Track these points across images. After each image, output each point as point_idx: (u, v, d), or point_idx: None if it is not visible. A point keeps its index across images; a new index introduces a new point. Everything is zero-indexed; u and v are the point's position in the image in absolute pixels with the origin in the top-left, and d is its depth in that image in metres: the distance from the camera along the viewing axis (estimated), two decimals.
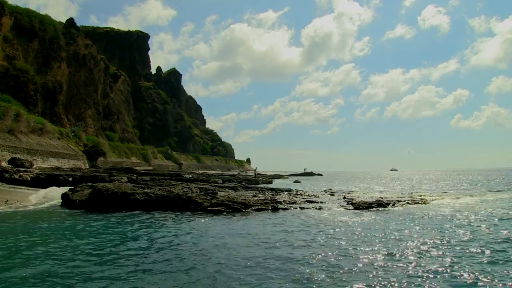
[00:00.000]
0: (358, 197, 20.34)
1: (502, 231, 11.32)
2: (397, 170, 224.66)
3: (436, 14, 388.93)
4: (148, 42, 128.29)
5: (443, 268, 7.23)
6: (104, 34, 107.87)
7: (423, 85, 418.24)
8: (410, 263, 7.57)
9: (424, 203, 17.38)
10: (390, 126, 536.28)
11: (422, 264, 7.50)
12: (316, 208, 13.78)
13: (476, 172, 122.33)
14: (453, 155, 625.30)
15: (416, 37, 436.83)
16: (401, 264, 7.47)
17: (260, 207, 13.77)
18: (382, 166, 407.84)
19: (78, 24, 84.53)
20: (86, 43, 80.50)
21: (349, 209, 13.81)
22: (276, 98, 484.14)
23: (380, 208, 14.51)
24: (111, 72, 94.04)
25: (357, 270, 7.05)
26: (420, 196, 21.84)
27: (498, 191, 29.68)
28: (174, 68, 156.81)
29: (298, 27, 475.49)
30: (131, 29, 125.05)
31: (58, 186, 25.28)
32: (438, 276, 6.78)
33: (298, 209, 13.57)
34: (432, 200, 19.07)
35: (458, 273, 6.94)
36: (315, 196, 19.58)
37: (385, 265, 7.45)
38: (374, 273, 6.88)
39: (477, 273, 6.90)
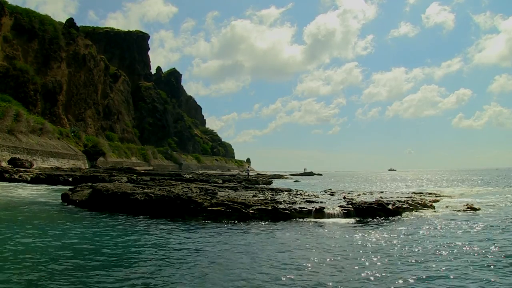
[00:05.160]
0: (359, 195, 20.36)
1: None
2: (395, 170, 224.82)
3: (440, 12, 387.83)
4: (148, 41, 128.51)
5: None
6: (104, 34, 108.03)
7: (425, 84, 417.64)
8: None
9: (424, 203, 17.40)
10: (391, 126, 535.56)
11: None
12: (315, 219, 13.59)
13: (474, 172, 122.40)
14: (453, 155, 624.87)
15: (420, 36, 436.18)
16: None
17: (260, 207, 13.77)
18: (381, 166, 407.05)
19: (77, 21, 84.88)
20: (86, 43, 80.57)
21: (353, 222, 13.55)
22: (278, 97, 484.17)
23: (384, 217, 14.42)
24: (111, 72, 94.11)
25: None
26: (420, 196, 21.86)
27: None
28: (174, 68, 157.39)
29: (301, 24, 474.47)
30: (131, 28, 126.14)
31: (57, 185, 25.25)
32: None
33: (296, 221, 13.31)
34: (431, 201, 19.09)
35: None
36: (315, 196, 19.56)
37: None
38: None
39: None
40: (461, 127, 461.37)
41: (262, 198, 16.37)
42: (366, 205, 14.68)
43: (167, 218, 13.15)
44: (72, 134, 61.22)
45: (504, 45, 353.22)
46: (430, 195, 23.52)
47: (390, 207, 15.05)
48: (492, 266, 7.60)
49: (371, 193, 22.94)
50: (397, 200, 16.82)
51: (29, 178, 28.60)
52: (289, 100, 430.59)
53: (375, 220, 13.61)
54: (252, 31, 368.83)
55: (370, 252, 8.80)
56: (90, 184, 21.08)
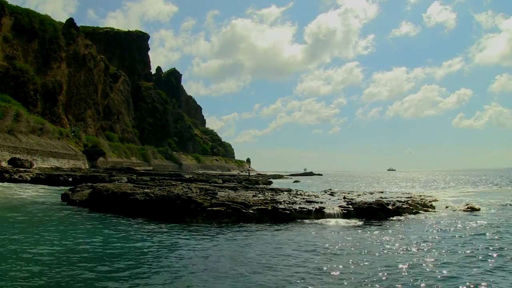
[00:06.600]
0: (359, 195, 20.35)
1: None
2: (394, 170, 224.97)
3: (441, 11, 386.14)
4: (148, 40, 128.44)
5: None
6: (104, 34, 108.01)
7: (426, 84, 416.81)
8: None
9: (424, 204, 17.40)
10: (391, 126, 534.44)
11: None
12: (315, 220, 13.56)
13: (474, 172, 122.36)
14: (454, 155, 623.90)
15: (421, 35, 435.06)
16: None
17: (260, 207, 13.76)
18: (381, 166, 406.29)
19: (77, 20, 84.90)
20: (86, 43, 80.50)
21: (353, 222, 13.50)
22: (278, 97, 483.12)
23: (384, 217, 14.37)
24: (111, 72, 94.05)
25: None
26: (420, 196, 21.85)
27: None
28: (174, 68, 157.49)
29: (302, 24, 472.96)
30: (131, 27, 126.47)
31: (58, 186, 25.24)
32: None
33: (295, 221, 13.29)
34: (431, 201, 19.09)
35: None
36: (315, 196, 19.56)
37: None
38: None
39: None
40: (461, 127, 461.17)
41: (262, 198, 16.36)
42: (366, 205, 14.66)
43: (167, 218, 13.13)
44: (72, 134, 61.19)
45: (505, 45, 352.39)
46: (430, 195, 23.52)
47: (390, 207, 15.03)
48: (492, 266, 7.60)
49: (371, 193, 22.92)
50: (397, 200, 16.80)
51: (29, 178, 28.59)
52: (289, 100, 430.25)
53: (375, 220, 13.60)
54: (252, 30, 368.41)
55: (370, 253, 8.79)
56: (90, 184, 21.08)
